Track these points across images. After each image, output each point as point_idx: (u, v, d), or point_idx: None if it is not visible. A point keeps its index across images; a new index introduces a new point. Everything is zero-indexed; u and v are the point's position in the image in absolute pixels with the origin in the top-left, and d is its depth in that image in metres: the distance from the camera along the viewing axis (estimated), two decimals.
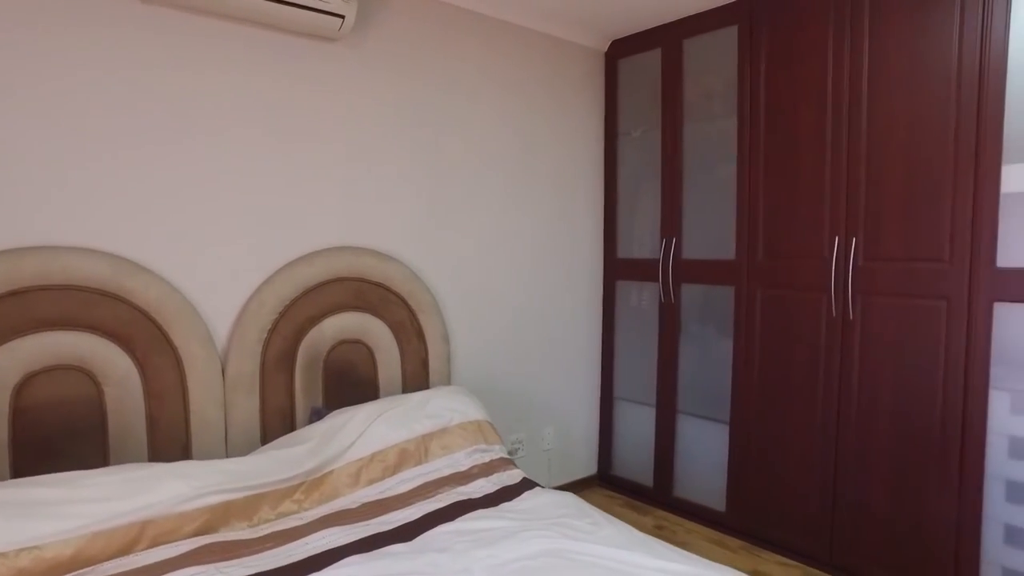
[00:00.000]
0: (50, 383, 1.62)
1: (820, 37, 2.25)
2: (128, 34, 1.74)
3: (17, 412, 1.57)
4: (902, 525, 2.11)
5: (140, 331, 1.75)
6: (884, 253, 2.12)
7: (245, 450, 1.91)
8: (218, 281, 1.93)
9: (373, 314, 2.25)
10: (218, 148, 1.92)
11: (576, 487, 3.01)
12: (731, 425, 2.60)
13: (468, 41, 2.54)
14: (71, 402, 1.65)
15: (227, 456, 1.89)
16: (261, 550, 1.44)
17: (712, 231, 2.66)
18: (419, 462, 1.92)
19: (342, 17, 1.97)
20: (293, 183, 2.09)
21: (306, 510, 1.67)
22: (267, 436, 1.98)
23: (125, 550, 1.36)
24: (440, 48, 2.45)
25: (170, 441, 1.80)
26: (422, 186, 2.43)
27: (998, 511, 1.94)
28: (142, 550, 1.38)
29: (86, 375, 1.67)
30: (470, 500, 1.76)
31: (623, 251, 3.08)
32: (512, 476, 1.96)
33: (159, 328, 1.78)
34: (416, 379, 2.36)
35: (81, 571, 1.30)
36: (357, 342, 2.21)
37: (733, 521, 2.60)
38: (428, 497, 1.78)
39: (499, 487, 1.87)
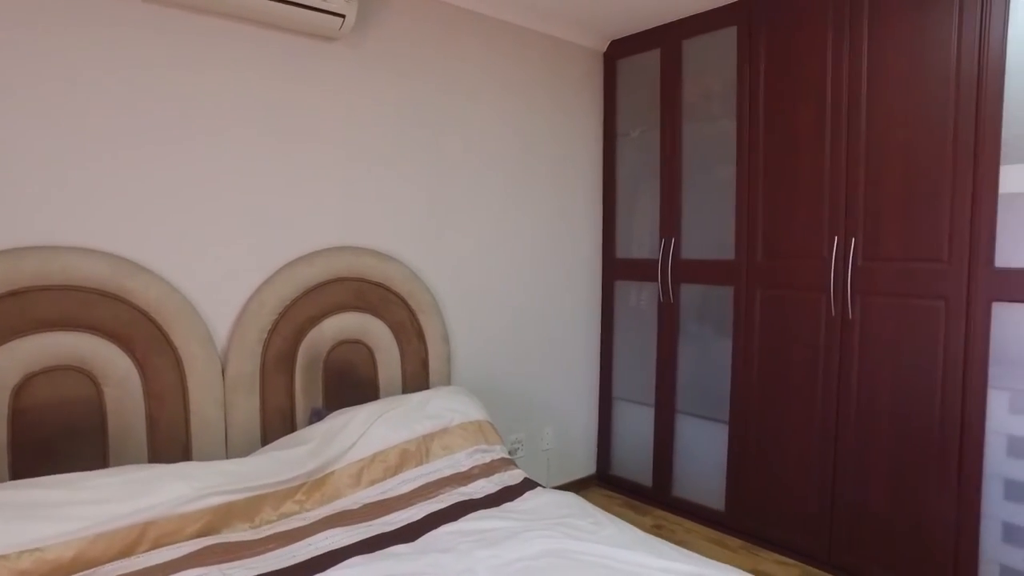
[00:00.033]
0: (49, 384, 1.61)
1: (819, 38, 2.26)
2: (128, 33, 1.73)
3: (16, 413, 1.56)
4: (901, 524, 2.12)
5: (140, 331, 1.74)
6: (883, 253, 2.13)
7: (245, 451, 1.91)
8: (218, 281, 1.93)
9: (373, 314, 2.24)
10: (218, 148, 1.91)
11: (575, 487, 3.02)
12: (730, 425, 2.61)
13: (468, 41, 2.54)
14: (71, 403, 1.64)
15: (227, 457, 1.88)
16: (264, 551, 1.44)
17: (711, 231, 2.67)
18: (420, 462, 1.92)
19: (342, 17, 1.97)
20: (293, 183, 2.08)
21: (308, 511, 1.66)
22: (267, 437, 1.97)
23: (127, 552, 1.35)
24: (440, 48, 2.45)
25: (170, 442, 1.79)
26: (422, 186, 2.43)
27: (996, 509, 1.95)
28: (144, 552, 1.38)
29: (86, 376, 1.66)
30: (472, 500, 1.76)
31: (622, 251, 3.08)
32: (513, 476, 1.96)
33: (159, 328, 1.78)
34: (416, 379, 2.36)
35: (83, 573, 1.29)
36: (357, 342, 2.20)
37: (732, 520, 2.61)
38: (430, 497, 1.78)
39: (501, 487, 1.87)
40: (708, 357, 2.71)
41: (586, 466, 3.19)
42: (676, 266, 2.79)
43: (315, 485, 1.72)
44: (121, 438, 1.71)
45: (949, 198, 1.97)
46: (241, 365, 1.93)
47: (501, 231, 2.72)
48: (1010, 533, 1.93)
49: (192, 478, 1.54)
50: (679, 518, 2.79)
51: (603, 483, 3.19)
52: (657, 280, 2.86)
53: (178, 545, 1.41)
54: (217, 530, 1.49)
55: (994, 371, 1.94)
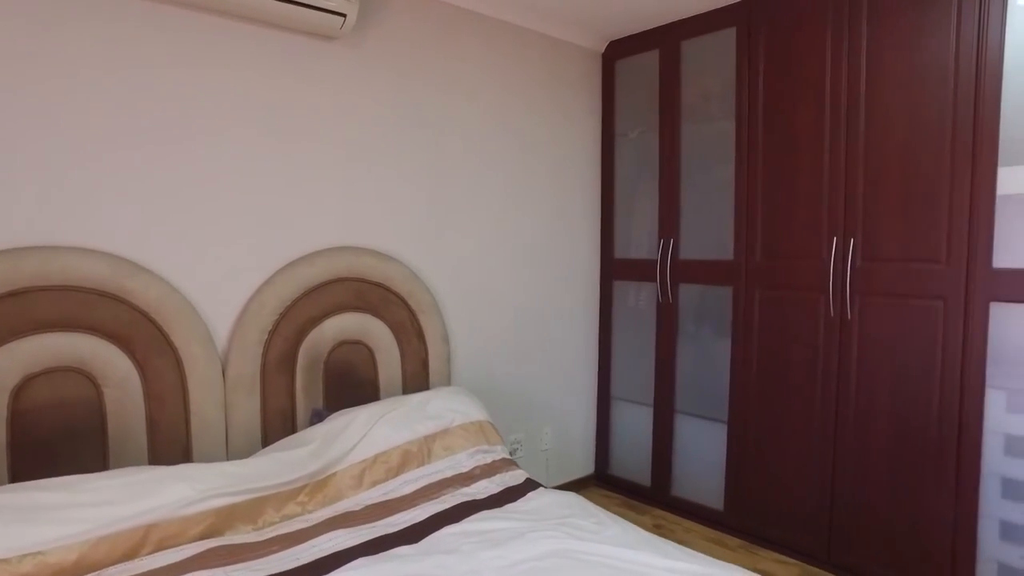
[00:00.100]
0: (49, 385, 1.59)
1: (818, 39, 2.28)
2: (128, 31, 1.72)
3: (15, 415, 1.54)
4: (900, 523, 2.14)
5: (140, 332, 1.73)
6: (882, 254, 2.15)
7: (246, 452, 1.89)
8: (218, 281, 1.91)
9: (373, 315, 2.23)
10: (218, 147, 1.90)
11: (573, 487, 3.02)
12: (729, 424, 2.62)
13: (467, 41, 2.54)
14: (70, 404, 1.62)
15: (228, 458, 1.87)
16: (267, 553, 1.43)
17: (710, 232, 2.68)
18: (422, 463, 1.91)
19: (343, 16, 1.96)
20: (293, 183, 2.07)
21: (310, 512, 1.65)
22: (268, 438, 1.96)
23: (130, 554, 1.34)
24: (440, 48, 2.44)
25: (170, 443, 1.78)
26: (422, 186, 2.42)
27: (994, 508, 1.97)
28: (147, 554, 1.36)
29: (85, 377, 1.65)
30: (475, 501, 1.76)
31: (620, 251, 3.09)
32: (515, 477, 1.96)
33: (159, 329, 1.76)
34: (416, 380, 2.36)
35: None
36: (358, 343, 2.20)
37: (731, 520, 2.62)
38: (432, 498, 1.78)
39: (503, 488, 1.87)
40: (707, 357, 2.72)
41: (584, 466, 3.19)
42: (675, 266, 2.80)
43: (317, 486, 1.71)
44: (121, 439, 1.70)
45: (947, 199, 1.99)
46: (242, 366, 1.92)
47: (500, 231, 2.72)
48: (1007, 531, 1.95)
49: (194, 480, 1.53)
50: (678, 518, 2.80)
51: (601, 483, 3.20)
52: (656, 280, 2.86)
53: (181, 547, 1.40)
54: (220, 532, 1.48)
55: (992, 370, 1.95)
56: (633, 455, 3.04)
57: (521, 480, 1.93)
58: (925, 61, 2.03)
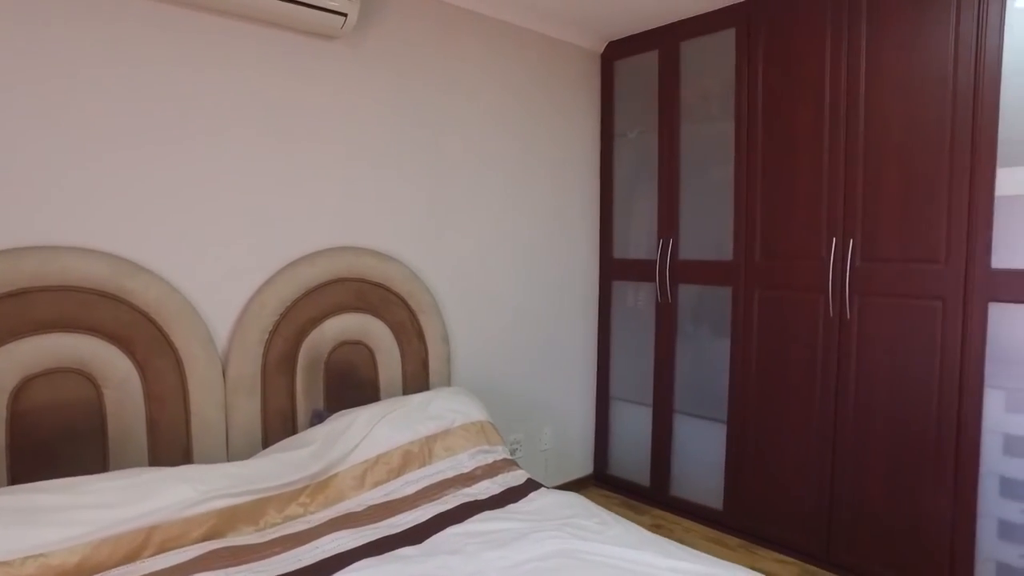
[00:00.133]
0: (49, 386, 1.58)
1: (817, 40, 2.28)
2: (128, 30, 1.71)
3: (15, 416, 1.53)
4: (899, 522, 2.15)
5: (140, 332, 1.72)
6: (881, 254, 2.16)
7: (246, 453, 1.89)
8: (218, 281, 1.91)
9: (374, 315, 2.23)
10: (218, 147, 1.89)
11: (572, 487, 3.02)
12: (729, 424, 2.62)
13: (467, 41, 2.53)
14: (70, 405, 1.61)
15: (228, 459, 1.86)
16: (270, 554, 1.42)
17: (709, 232, 2.68)
18: (423, 464, 1.91)
19: (344, 16, 1.96)
20: (293, 183, 2.06)
21: (312, 513, 1.65)
22: (268, 438, 1.95)
23: (132, 556, 1.33)
24: (439, 48, 2.44)
25: (171, 444, 1.77)
26: (422, 186, 2.42)
27: (992, 507, 1.98)
28: (149, 556, 1.36)
29: (85, 378, 1.64)
30: (477, 502, 1.75)
31: (619, 251, 3.09)
32: (516, 477, 1.96)
33: (159, 329, 1.75)
34: (416, 380, 2.35)
35: None
36: (358, 343, 2.19)
37: (731, 520, 2.63)
38: (434, 499, 1.77)
39: (504, 488, 1.86)
40: (706, 357, 2.73)
41: (583, 466, 3.20)
42: (674, 267, 2.80)
43: (319, 487, 1.71)
44: (121, 441, 1.69)
45: (946, 200, 2.00)
46: (242, 366, 1.91)
47: (500, 231, 2.71)
48: (1006, 530, 1.96)
49: (195, 481, 1.52)
50: (677, 517, 2.81)
51: (600, 483, 3.20)
52: (655, 280, 2.87)
53: (184, 549, 1.39)
54: (222, 533, 1.48)
55: (990, 370, 1.97)
56: (632, 455, 3.05)
57: (522, 480, 1.93)
58: (924, 62, 2.04)
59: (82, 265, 1.63)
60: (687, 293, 2.79)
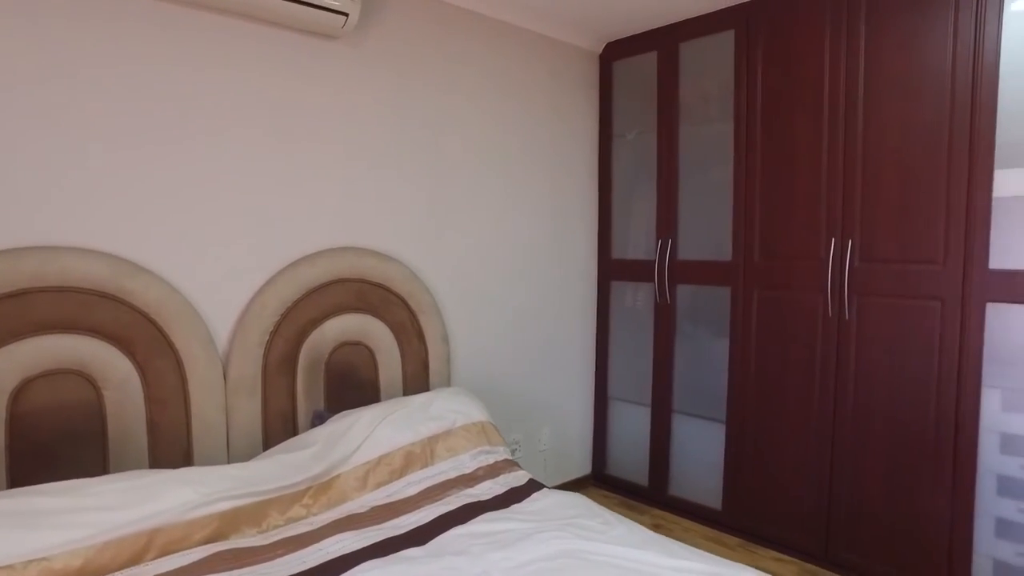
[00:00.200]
0: (48, 388, 1.57)
1: (817, 42, 2.30)
2: (128, 30, 1.69)
3: (14, 418, 1.52)
4: (897, 520, 2.16)
5: (140, 333, 1.71)
6: (879, 255, 2.17)
7: (247, 454, 1.88)
8: (219, 282, 1.89)
9: (374, 315, 2.22)
10: (218, 147, 1.88)
11: (571, 487, 3.02)
12: (727, 424, 2.63)
13: (467, 41, 2.53)
14: (70, 407, 1.60)
15: (229, 461, 1.85)
16: (273, 557, 1.42)
17: (708, 233, 2.69)
18: (425, 465, 1.90)
19: (346, 15, 1.95)
20: (294, 183, 2.06)
21: (315, 515, 1.64)
22: (269, 440, 1.94)
23: (135, 559, 1.32)
24: (439, 48, 2.43)
25: (171, 446, 1.76)
26: (422, 186, 2.41)
27: (990, 505, 2.00)
28: (152, 559, 1.35)
29: (85, 379, 1.62)
30: (480, 502, 1.75)
31: (618, 252, 3.10)
32: (518, 477, 1.96)
33: (160, 330, 1.74)
34: (416, 380, 2.35)
35: None
36: (358, 344, 2.18)
37: (729, 519, 2.64)
38: (437, 500, 1.77)
39: (507, 488, 1.86)
40: (705, 357, 2.74)
41: (582, 466, 3.20)
42: (673, 267, 2.81)
43: (321, 489, 1.70)
44: (121, 442, 1.68)
45: (945, 201, 2.02)
46: (243, 367, 1.90)
47: (499, 231, 2.71)
48: (1003, 528, 1.98)
49: (198, 483, 1.51)
50: (676, 517, 2.81)
51: (599, 483, 3.20)
52: (654, 281, 2.88)
53: (187, 552, 1.38)
54: (225, 536, 1.47)
55: (987, 370, 1.98)
56: (631, 455, 3.05)
57: (524, 481, 1.93)
58: (922, 64, 2.05)
59: (82, 265, 1.61)
60: (686, 293, 2.80)
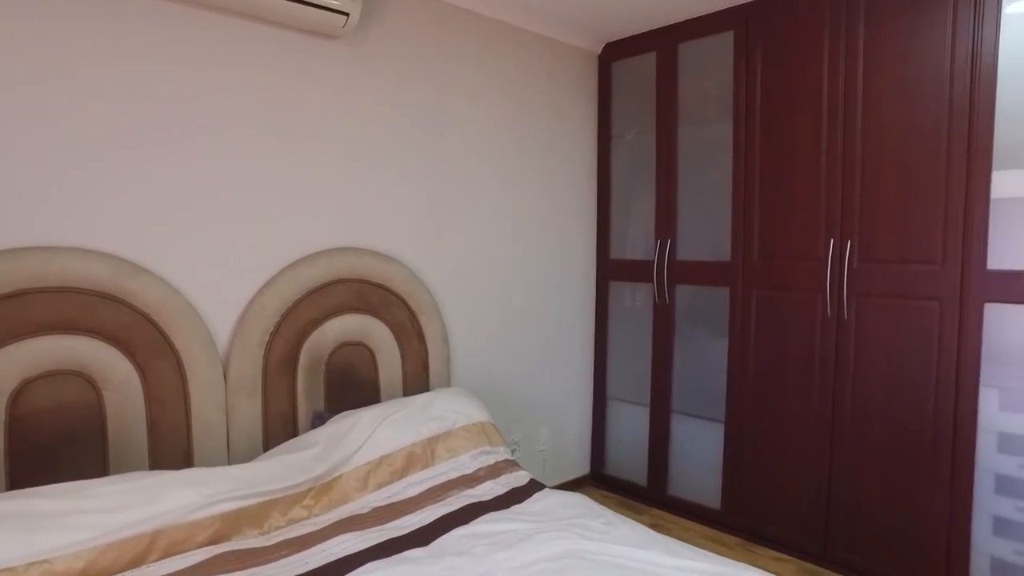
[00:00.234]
0: (48, 389, 1.56)
1: (816, 43, 2.31)
2: (129, 29, 1.68)
3: (14, 419, 1.51)
4: (896, 519, 2.18)
5: (140, 334, 1.70)
6: (878, 255, 2.18)
7: (247, 455, 1.87)
8: (219, 282, 1.89)
9: (374, 316, 2.22)
10: (218, 147, 1.87)
11: (570, 487, 3.03)
12: (726, 424, 2.64)
13: (467, 41, 2.53)
14: (70, 408, 1.59)
15: (229, 462, 1.85)
16: (277, 558, 1.41)
17: (707, 233, 2.70)
18: (426, 465, 1.90)
19: (346, 15, 1.95)
20: (294, 183, 2.05)
21: (316, 516, 1.64)
22: (269, 440, 1.94)
23: (137, 561, 1.32)
24: (439, 48, 2.43)
25: (171, 447, 1.75)
26: (421, 186, 2.41)
27: (987, 504, 2.01)
28: (154, 561, 1.34)
29: (85, 380, 1.62)
30: (481, 503, 1.75)
31: (616, 252, 3.10)
32: (519, 478, 1.96)
33: (160, 331, 1.73)
34: (416, 381, 2.34)
35: None
36: (359, 344, 2.18)
37: (728, 518, 2.65)
38: (438, 500, 1.77)
39: (508, 489, 1.86)
40: (704, 357, 2.75)
41: (580, 466, 3.20)
42: (672, 267, 2.82)
43: (323, 489, 1.70)
44: (121, 444, 1.67)
45: (943, 202, 2.03)
46: (243, 368, 1.89)
47: (498, 232, 2.71)
48: (1000, 526, 2.00)
49: (199, 484, 1.50)
50: (675, 517, 2.82)
51: (597, 483, 3.21)
52: (652, 281, 2.88)
53: (189, 553, 1.38)
54: (227, 537, 1.46)
55: (985, 369, 2.00)
56: (629, 455, 3.06)
57: (525, 481, 1.93)
58: (921, 66, 2.06)
59: (82, 266, 1.61)
60: (685, 294, 2.80)
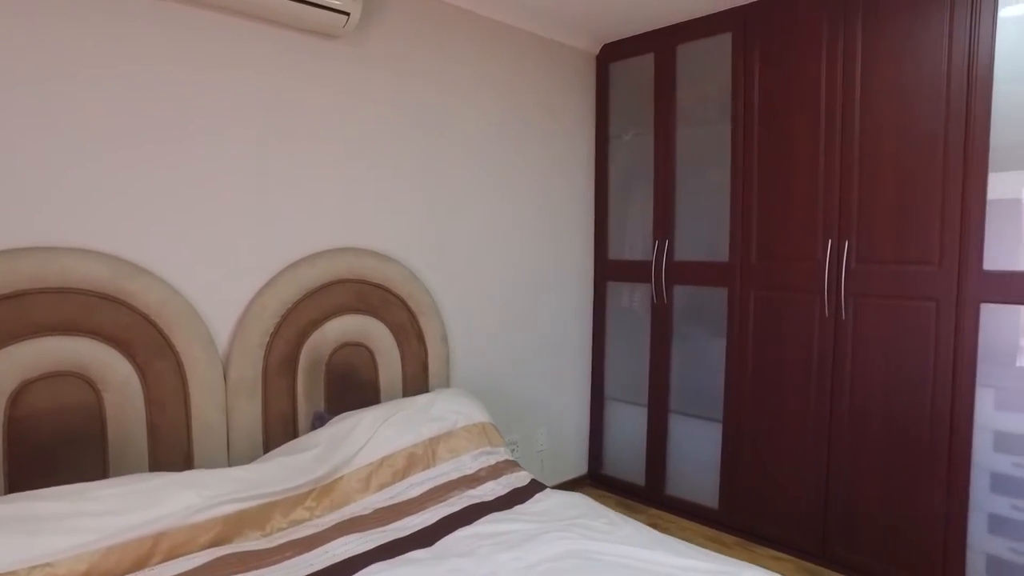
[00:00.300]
0: (47, 390, 1.54)
1: (814, 45, 2.32)
2: (129, 29, 1.67)
3: (13, 421, 1.50)
4: (893, 518, 2.19)
5: (140, 335, 1.69)
6: (876, 256, 2.20)
7: (247, 456, 1.86)
8: (219, 282, 1.88)
9: (374, 316, 2.22)
10: (218, 147, 1.86)
11: (568, 487, 3.03)
12: (724, 424, 2.65)
13: (467, 42, 2.53)
14: (69, 410, 1.58)
15: (229, 463, 1.84)
16: (280, 560, 1.41)
17: (705, 234, 2.71)
18: (427, 466, 1.90)
19: (347, 15, 1.94)
20: (294, 183, 2.04)
21: (318, 517, 1.63)
22: (269, 442, 1.93)
23: (140, 564, 1.31)
24: (439, 49, 2.43)
25: (171, 448, 1.74)
26: (421, 187, 2.41)
27: (983, 502, 2.03)
28: (157, 563, 1.33)
29: (85, 381, 1.60)
30: (483, 503, 1.75)
31: (614, 253, 3.11)
32: (520, 478, 1.96)
33: (160, 332, 1.72)
34: (416, 381, 2.34)
35: None
36: (359, 345, 2.18)
37: (726, 518, 2.66)
38: (440, 501, 1.77)
39: (509, 489, 1.87)
40: (702, 357, 2.76)
41: (578, 466, 3.21)
42: (670, 268, 2.82)
43: (324, 491, 1.69)
44: (121, 445, 1.66)
45: (940, 203, 2.05)
46: (243, 369, 1.88)
47: (497, 233, 2.72)
48: (996, 524, 2.02)
49: (200, 486, 1.50)
50: (673, 516, 2.83)
51: (595, 483, 3.21)
52: (650, 281, 2.89)
53: (191, 556, 1.37)
54: (229, 539, 1.46)
55: (981, 369, 2.02)
56: (627, 455, 3.07)
57: (526, 481, 1.94)
58: (918, 68, 2.08)
59: (82, 266, 1.59)
60: (682, 294, 2.81)
